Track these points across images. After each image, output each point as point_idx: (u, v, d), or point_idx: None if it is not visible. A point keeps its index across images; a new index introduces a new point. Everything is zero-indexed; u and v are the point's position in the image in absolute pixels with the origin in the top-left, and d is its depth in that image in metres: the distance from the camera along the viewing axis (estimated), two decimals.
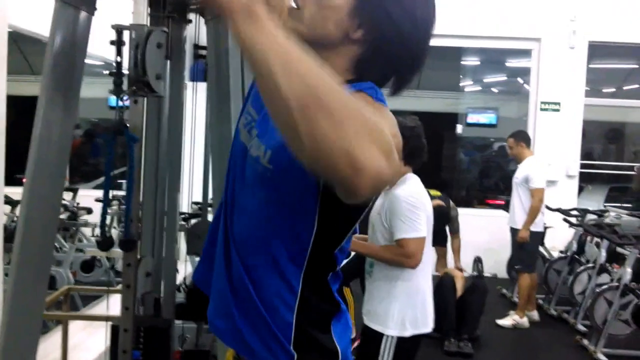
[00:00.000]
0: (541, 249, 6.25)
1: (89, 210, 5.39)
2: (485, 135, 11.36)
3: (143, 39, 1.81)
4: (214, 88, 1.99)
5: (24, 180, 2.03)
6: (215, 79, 1.96)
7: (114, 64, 1.92)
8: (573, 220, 6.47)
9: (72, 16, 2.01)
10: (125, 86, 2.00)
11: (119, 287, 2.38)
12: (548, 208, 6.04)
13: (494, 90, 11.25)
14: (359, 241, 2.86)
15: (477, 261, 5.97)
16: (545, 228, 5.97)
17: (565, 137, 7.66)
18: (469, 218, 6.17)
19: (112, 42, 1.90)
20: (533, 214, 5.52)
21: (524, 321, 5.77)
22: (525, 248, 5.62)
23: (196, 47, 2.51)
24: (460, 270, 5.61)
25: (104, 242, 1.86)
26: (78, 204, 5.31)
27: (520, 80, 9.02)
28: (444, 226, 6.01)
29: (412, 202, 2.70)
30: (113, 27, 1.93)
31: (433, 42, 1.21)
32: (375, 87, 1.15)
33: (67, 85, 2.15)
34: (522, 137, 5.82)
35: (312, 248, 1.17)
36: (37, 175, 2.10)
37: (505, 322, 5.78)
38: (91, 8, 2.05)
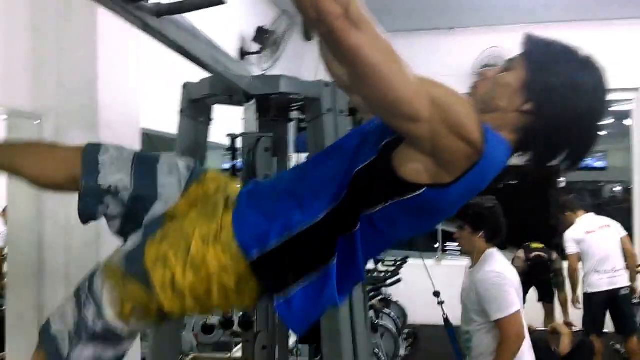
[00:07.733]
0: None
1: None
2: (595, 179, 10.90)
3: (253, 145, 2.10)
4: None
5: None
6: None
7: (230, 167, 2.22)
8: None
9: (193, 126, 2.36)
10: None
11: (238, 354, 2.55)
12: None
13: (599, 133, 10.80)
14: None
15: None
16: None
17: None
18: None
19: (227, 149, 2.21)
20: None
21: None
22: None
23: (300, 120, 2.73)
24: (570, 325, 5.42)
25: (226, 323, 2.13)
26: None
27: (627, 122, 8.71)
28: (547, 278, 5.87)
29: (497, 282, 2.74)
30: (228, 135, 2.25)
31: None
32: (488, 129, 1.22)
33: None
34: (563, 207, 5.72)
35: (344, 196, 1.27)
36: None
37: None
38: (208, 119, 2.40)
